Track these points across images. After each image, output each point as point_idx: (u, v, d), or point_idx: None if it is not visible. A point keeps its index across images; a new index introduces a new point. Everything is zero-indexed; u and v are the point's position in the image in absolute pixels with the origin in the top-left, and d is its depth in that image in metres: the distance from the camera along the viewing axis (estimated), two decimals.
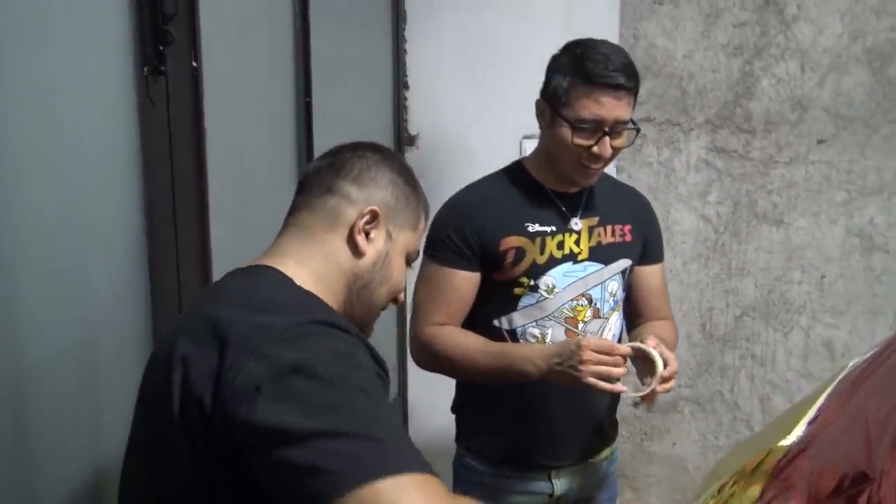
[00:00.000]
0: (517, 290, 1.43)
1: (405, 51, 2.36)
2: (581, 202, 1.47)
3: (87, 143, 1.06)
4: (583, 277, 1.45)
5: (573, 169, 1.40)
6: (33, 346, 0.98)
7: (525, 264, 1.42)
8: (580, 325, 1.45)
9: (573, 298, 1.44)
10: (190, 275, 1.29)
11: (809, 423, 1.02)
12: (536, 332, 1.44)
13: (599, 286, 1.47)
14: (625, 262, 1.50)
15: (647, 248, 1.56)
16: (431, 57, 2.34)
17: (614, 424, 1.62)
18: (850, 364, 1.21)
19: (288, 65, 1.68)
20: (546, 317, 1.44)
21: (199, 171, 1.30)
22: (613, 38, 2.15)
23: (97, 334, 1.10)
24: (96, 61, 1.08)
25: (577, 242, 1.45)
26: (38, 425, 1.00)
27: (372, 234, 0.95)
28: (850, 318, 2.26)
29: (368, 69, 2.18)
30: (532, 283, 1.42)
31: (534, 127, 2.24)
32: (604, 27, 2.17)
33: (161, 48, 1.16)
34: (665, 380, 1.29)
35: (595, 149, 1.35)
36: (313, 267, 0.93)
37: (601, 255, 1.47)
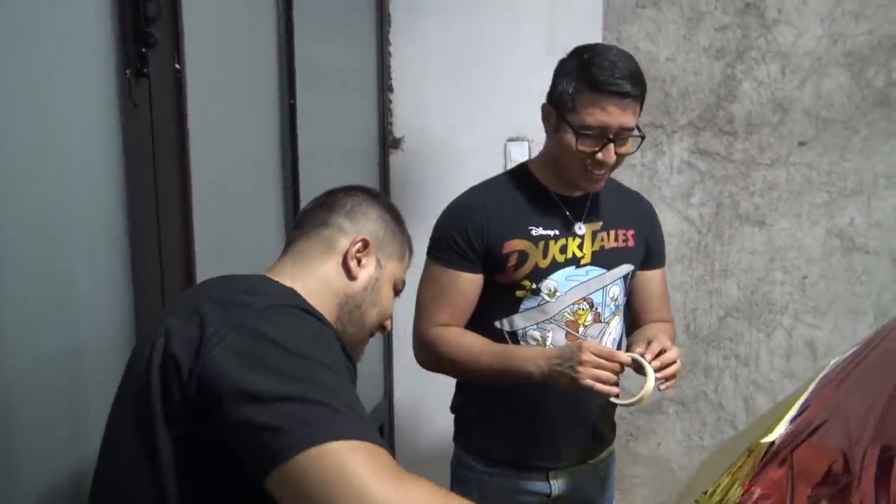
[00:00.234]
0: (519, 293, 1.44)
1: (390, 53, 2.36)
2: (585, 207, 1.47)
3: (69, 146, 1.05)
4: (585, 282, 1.45)
5: (578, 174, 1.40)
6: (15, 347, 0.97)
7: (528, 267, 1.42)
8: (581, 329, 1.46)
9: (575, 302, 1.45)
10: (173, 278, 1.28)
11: (791, 421, 1.03)
12: (537, 334, 1.45)
13: (601, 291, 1.47)
14: (627, 268, 1.51)
15: (650, 252, 1.56)
16: (416, 60, 2.35)
17: (612, 426, 1.62)
18: (832, 363, 1.22)
19: (272, 67, 1.68)
20: (547, 320, 1.44)
21: (182, 173, 1.29)
22: (596, 41, 2.16)
23: (79, 336, 1.09)
24: (78, 63, 1.07)
25: (581, 247, 1.46)
26: (21, 427, 0.99)
27: (364, 261, 1.05)
28: (831, 317, 2.29)
29: (353, 72, 2.18)
30: (534, 286, 1.43)
31: (518, 129, 2.25)
32: (587, 30, 2.18)
33: (144, 50, 1.16)
34: (667, 379, 1.32)
35: (599, 155, 1.35)
36: (306, 285, 0.99)
37: (604, 259, 1.47)
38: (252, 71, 1.60)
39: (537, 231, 1.43)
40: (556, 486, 1.53)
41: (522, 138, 2.28)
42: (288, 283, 0.97)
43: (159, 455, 0.82)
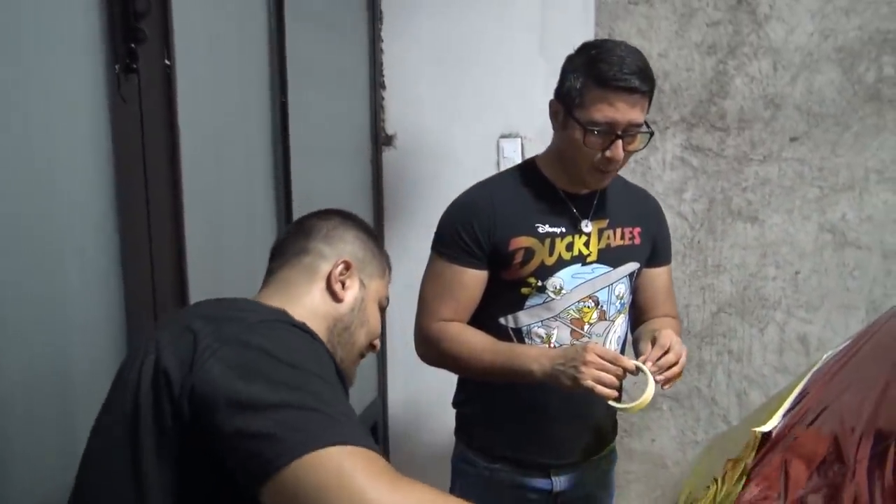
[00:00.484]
0: (524, 290, 1.43)
1: (382, 51, 2.35)
2: (592, 204, 1.46)
3: (58, 142, 1.05)
4: (590, 279, 1.45)
5: (585, 171, 1.38)
6: (4, 351, 0.96)
7: (534, 265, 1.41)
8: (586, 327, 1.45)
9: (580, 300, 1.44)
10: (164, 275, 1.27)
11: (784, 415, 1.03)
12: (542, 331, 1.44)
13: (606, 289, 1.47)
14: (633, 266, 1.50)
15: (656, 250, 1.56)
16: (408, 57, 2.34)
17: (614, 424, 1.62)
18: (824, 357, 1.23)
19: (263, 64, 1.67)
20: (552, 317, 1.44)
21: (172, 170, 1.28)
22: (589, 38, 2.17)
23: (69, 337, 1.08)
24: (67, 59, 1.06)
25: (587, 244, 1.45)
26: (12, 433, 0.98)
27: (347, 283, 1.05)
28: (823, 312, 2.30)
29: (345, 69, 2.17)
30: (540, 283, 1.42)
31: (511, 126, 2.24)
32: (579, 27, 2.18)
33: (133, 46, 1.15)
34: (667, 379, 1.31)
35: (607, 152, 1.33)
36: (295, 311, 0.98)
37: (610, 257, 1.46)
38: (243, 67, 1.59)
39: (544, 228, 1.42)
40: (558, 482, 1.53)
41: (515, 135, 2.28)
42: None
43: (146, 469, 0.81)
